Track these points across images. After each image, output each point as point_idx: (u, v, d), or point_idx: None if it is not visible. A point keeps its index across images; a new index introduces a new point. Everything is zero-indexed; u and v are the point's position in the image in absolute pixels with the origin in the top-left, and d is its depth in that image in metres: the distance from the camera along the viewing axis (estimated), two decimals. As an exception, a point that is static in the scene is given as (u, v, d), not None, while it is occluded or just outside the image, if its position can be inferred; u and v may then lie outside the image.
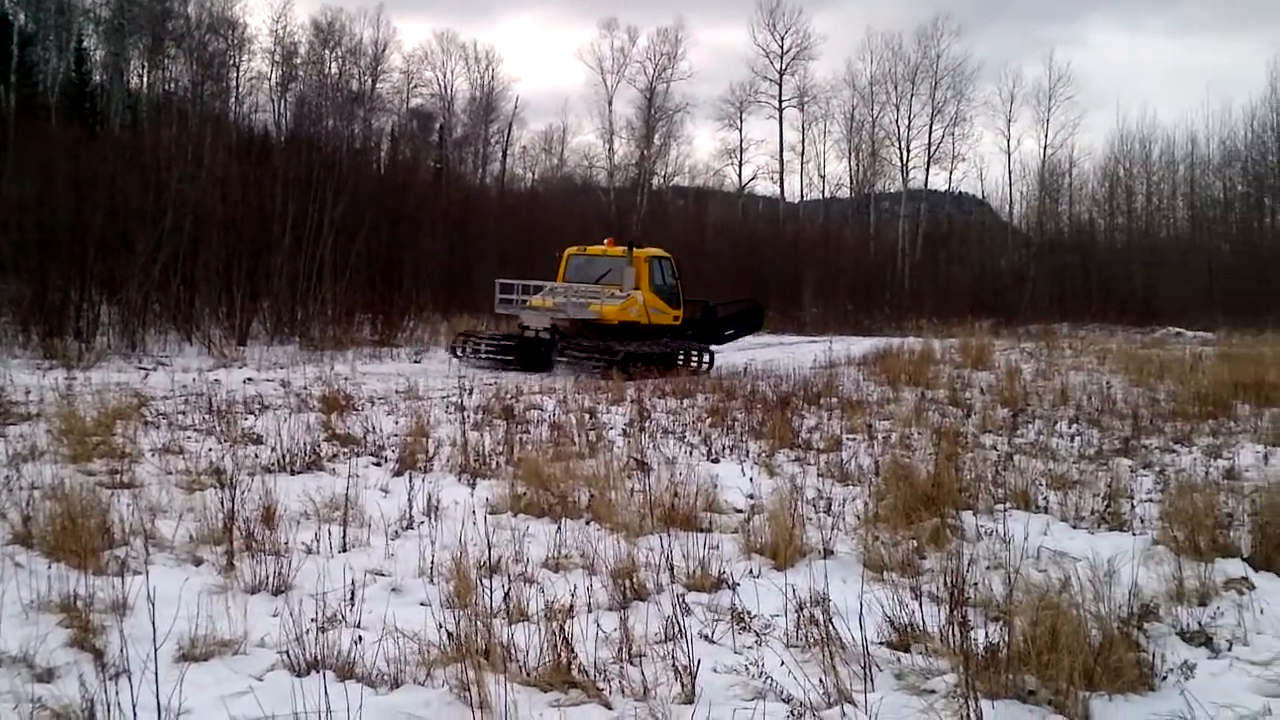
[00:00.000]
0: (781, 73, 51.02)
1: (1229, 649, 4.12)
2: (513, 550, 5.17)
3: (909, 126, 50.22)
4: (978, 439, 9.32)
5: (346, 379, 13.21)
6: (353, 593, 4.35)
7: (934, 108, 49.79)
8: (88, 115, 30.12)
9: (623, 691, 3.61)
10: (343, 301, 21.21)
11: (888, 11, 75.01)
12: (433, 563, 4.91)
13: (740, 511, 6.36)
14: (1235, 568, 5.05)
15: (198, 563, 5.00)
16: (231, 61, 39.53)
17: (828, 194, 53.19)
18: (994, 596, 4.43)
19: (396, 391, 12.30)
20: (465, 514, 5.74)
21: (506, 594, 4.31)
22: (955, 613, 3.89)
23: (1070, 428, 10.10)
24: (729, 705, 3.53)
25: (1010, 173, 51.76)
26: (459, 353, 18.06)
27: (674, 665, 3.68)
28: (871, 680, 3.70)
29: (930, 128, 50.02)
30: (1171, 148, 49.43)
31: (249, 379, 13.48)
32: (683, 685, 3.61)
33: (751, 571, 5.06)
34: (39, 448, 7.39)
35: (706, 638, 4.15)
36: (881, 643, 4.06)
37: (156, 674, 3.12)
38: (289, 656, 3.77)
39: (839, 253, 44.19)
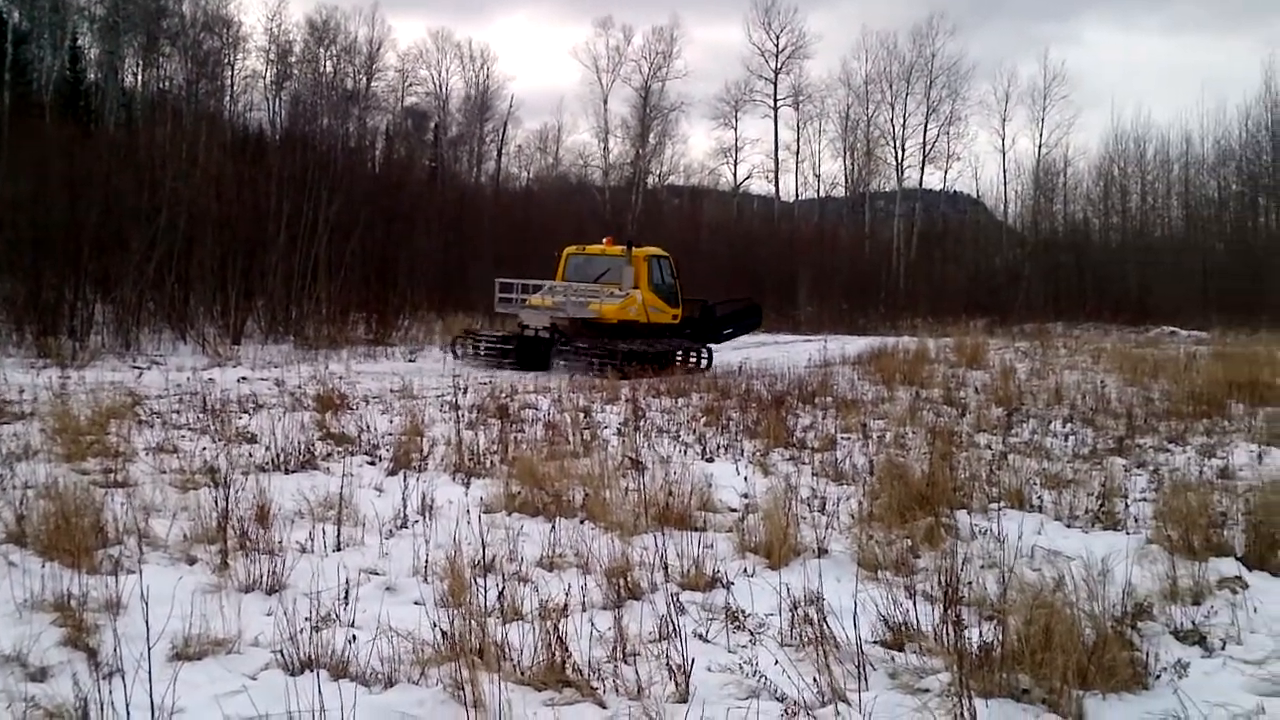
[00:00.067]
0: (777, 71, 51.05)
1: (1222, 648, 4.13)
2: (507, 549, 5.17)
3: (904, 125, 50.31)
4: (972, 438, 9.33)
5: (341, 378, 13.19)
6: (347, 592, 4.34)
7: (929, 107, 49.89)
8: (82, 113, 29.99)
9: (617, 690, 3.61)
10: (337, 300, 21.19)
11: (883, 10, 75.19)
12: (427, 562, 4.91)
13: (735, 511, 6.36)
14: (1229, 567, 5.06)
15: (191, 562, 4.99)
16: (226, 60, 39.42)
17: (823, 193, 53.22)
18: (988, 595, 4.44)
19: (391, 390, 12.28)
20: (460, 513, 5.73)
21: (501, 593, 4.30)
22: (949, 612, 3.89)
23: (1064, 427, 10.12)
24: (723, 704, 3.53)
25: (1005, 172, 51.84)
26: (458, 351, 18.07)
27: (668, 664, 3.68)
28: (865, 679, 3.70)
29: (925, 127, 50.12)
30: (1166, 147, 49.62)
31: (243, 378, 13.45)
32: (677, 684, 3.61)
33: (746, 570, 5.06)
34: (33, 446, 7.37)
35: (701, 637, 4.15)
36: (876, 642, 4.06)
37: (150, 673, 3.12)
38: (283, 656, 3.76)
39: (834, 252, 44.18)
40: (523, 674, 3.67)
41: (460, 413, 9.72)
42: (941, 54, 49.19)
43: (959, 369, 17.03)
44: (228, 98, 38.76)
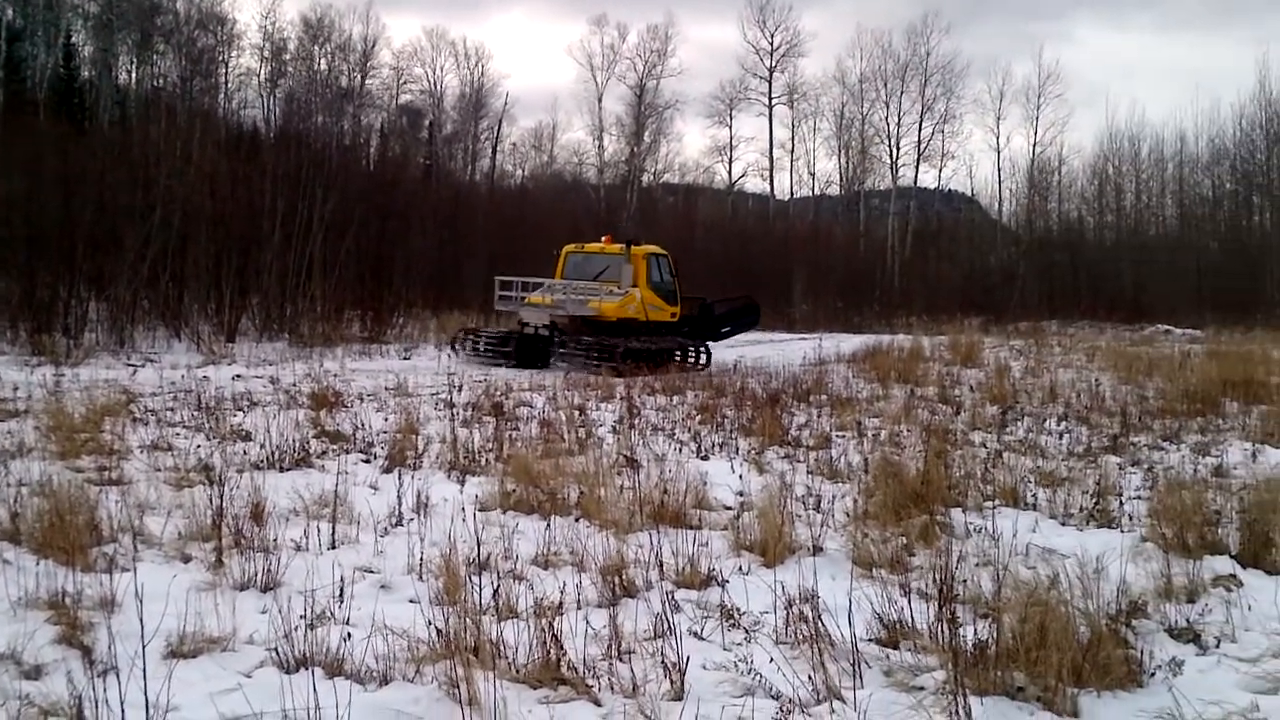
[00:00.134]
0: (771, 70, 51.13)
1: (1217, 646, 4.14)
2: (502, 547, 5.16)
3: (898, 124, 50.42)
4: (967, 436, 9.34)
5: (336, 376, 13.18)
6: (341, 590, 4.33)
7: (923, 105, 50.03)
8: (76, 111, 29.91)
9: (612, 688, 3.61)
10: (332, 298, 21.19)
11: (878, 9, 75.27)
12: (422, 560, 4.90)
13: (730, 509, 6.35)
14: (1223, 565, 5.07)
15: (186, 560, 4.99)
16: (220, 57, 39.37)
17: (817, 191, 53.38)
18: (983, 593, 4.44)
19: (386, 388, 12.27)
20: (454, 511, 5.71)
21: (495, 591, 4.29)
22: (944, 610, 3.90)
23: (1059, 425, 10.13)
24: (718, 702, 3.53)
25: (999, 170, 52.07)
26: (457, 349, 18.07)
27: (663, 662, 3.67)
28: (860, 677, 3.70)
29: (920, 125, 50.23)
30: (1160, 145, 49.76)
31: (238, 376, 13.43)
32: (672, 682, 3.61)
33: (741, 568, 5.06)
34: (27, 444, 7.36)
35: (695, 635, 4.15)
36: (870, 639, 4.06)
37: (145, 671, 3.11)
38: (278, 653, 3.75)
39: (829, 250, 44.23)
40: (518, 672, 3.67)
41: (455, 410, 9.71)
42: (936, 52, 49.45)
43: (954, 367, 17.05)
44: (222, 95, 38.77)
